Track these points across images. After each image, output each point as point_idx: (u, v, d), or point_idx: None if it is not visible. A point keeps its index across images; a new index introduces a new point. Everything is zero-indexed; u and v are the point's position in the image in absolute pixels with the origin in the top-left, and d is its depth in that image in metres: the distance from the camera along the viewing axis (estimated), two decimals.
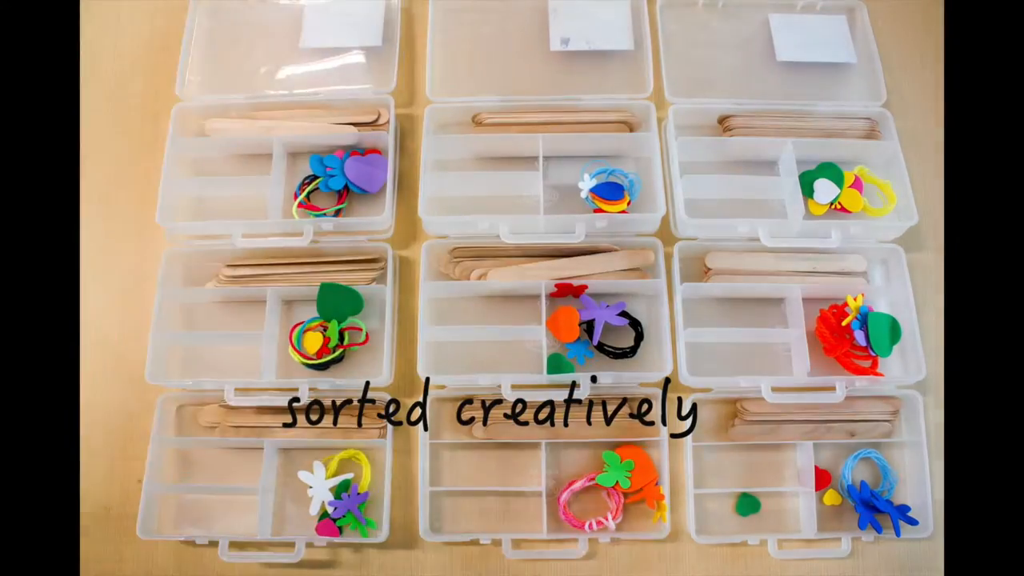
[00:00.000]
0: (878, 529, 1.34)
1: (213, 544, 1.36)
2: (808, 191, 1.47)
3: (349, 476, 1.36)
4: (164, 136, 1.50)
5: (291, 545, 1.34)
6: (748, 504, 1.37)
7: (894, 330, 1.38)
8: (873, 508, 1.35)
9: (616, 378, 1.36)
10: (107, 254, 1.51)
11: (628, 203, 1.45)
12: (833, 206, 1.47)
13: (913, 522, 1.35)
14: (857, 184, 1.47)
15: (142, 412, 1.41)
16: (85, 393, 1.42)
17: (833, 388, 1.35)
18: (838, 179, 1.46)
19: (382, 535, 1.33)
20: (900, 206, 1.47)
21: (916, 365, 1.38)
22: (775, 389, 1.35)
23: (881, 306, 1.44)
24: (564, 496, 1.35)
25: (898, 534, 1.34)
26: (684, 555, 1.36)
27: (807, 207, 1.46)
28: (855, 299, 1.39)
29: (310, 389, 1.36)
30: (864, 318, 1.38)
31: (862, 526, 1.35)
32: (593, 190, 1.44)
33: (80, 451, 1.39)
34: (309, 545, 1.35)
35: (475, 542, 1.36)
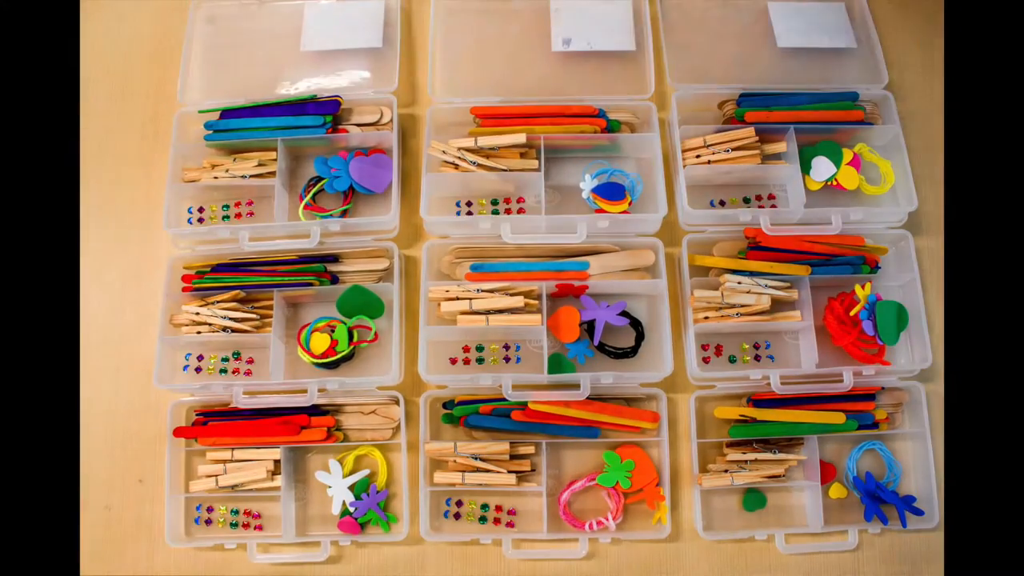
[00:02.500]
0: (884, 520, 1.30)
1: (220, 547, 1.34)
2: (806, 168, 1.43)
3: (366, 473, 1.34)
4: (166, 141, 1.47)
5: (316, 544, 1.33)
6: (754, 500, 1.33)
7: (900, 317, 1.34)
8: (878, 499, 1.31)
9: (617, 378, 1.31)
10: (110, 258, 1.48)
11: (629, 203, 1.40)
12: (830, 183, 1.43)
13: (919, 512, 1.31)
14: (855, 162, 1.43)
15: (142, 413, 1.39)
16: (86, 393, 1.40)
17: (840, 379, 1.32)
18: (837, 156, 1.42)
19: (403, 531, 1.31)
20: (900, 191, 1.43)
21: (923, 353, 1.35)
22: (784, 381, 1.32)
23: (888, 293, 1.39)
24: (564, 496, 1.31)
25: (904, 525, 1.30)
26: (686, 553, 1.33)
27: (804, 184, 1.41)
28: (863, 288, 1.35)
29: (319, 390, 1.33)
30: (872, 307, 1.34)
31: (868, 518, 1.31)
32: (594, 190, 1.40)
33: (80, 451, 1.37)
34: (334, 543, 1.33)
35: (475, 542, 1.33)
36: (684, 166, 1.41)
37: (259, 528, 1.36)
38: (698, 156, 1.42)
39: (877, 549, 1.33)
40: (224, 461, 1.34)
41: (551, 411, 1.30)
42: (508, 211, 1.46)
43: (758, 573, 1.32)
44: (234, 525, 1.35)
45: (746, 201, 1.47)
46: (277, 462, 1.34)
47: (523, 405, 1.31)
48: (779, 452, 1.32)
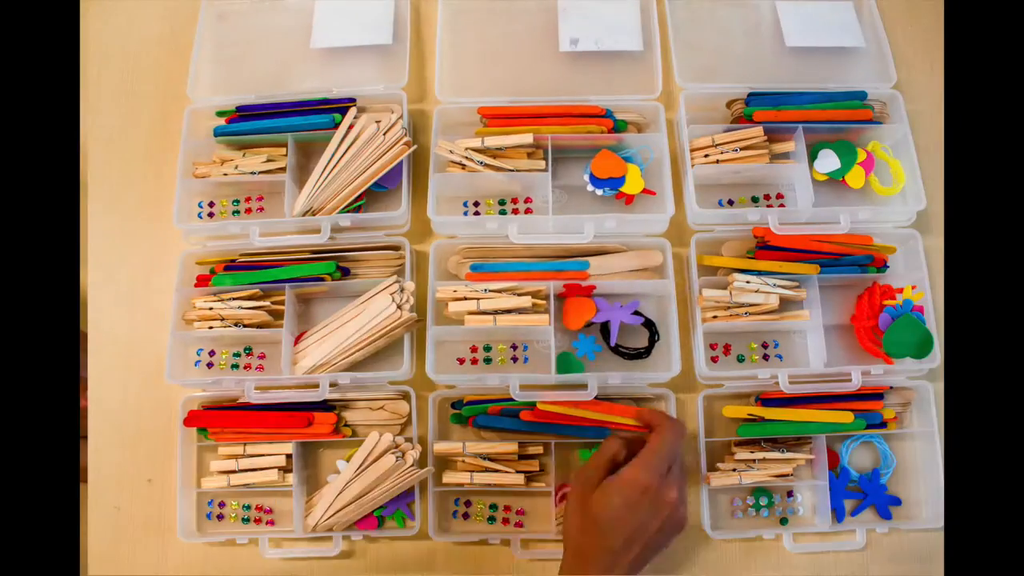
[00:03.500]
0: (884, 516, 1.30)
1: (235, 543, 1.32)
2: (814, 159, 1.42)
3: None
4: (175, 137, 1.45)
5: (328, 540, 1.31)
6: (762, 498, 1.32)
7: (922, 343, 1.31)
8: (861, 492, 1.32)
9: (624, 378, 1.30)
10: (119, 255, 1.46)
11: (642, 178, 1.39)
12: (841, 179, 1.41)
13: (896, 501, 1.31)
14: (868, 161, 1.40)
15: (152, 412, 1.37)
16: (95, 393, 1.38)
17: (849, 378, 1.29)
18: (850, 154, 1.40)
19: (416, 527, 1.29)
20: (909, 190, 1.41)
21: (931, 353, 1.32)
22: (792, 380, 1.30)
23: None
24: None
25: (887, 517, 1.30)
26: (694, 552, 1.31)
27: (811, 175, 1.39)
28: (912, 289, 1.34)
29: (331, 385, 1.31)
30: (901, 313, 1.32)
31: (859, 509, 1.31)
32: (593, 182, 1.39)
33: (89, 450, 1.36)
34: (346, 539, 1.32)
35: (484, 542, 1.31)
36: (692, 166, 1.39)
37: (271, 523, 1.34)
38: (706, 156, 1.40)
39: (886, 548, 1.30)
40: (236, 456, 1.32)
41: (560, 411, 1.28)
42: (515, 211, 1.44)
43: (766, 572, 1.30)
44: (246, 520, 1.34)
45: (754, 200, 1.44)
46: (289, 457, 1.32)
47: (531, 405, 1.29)
48: (787, 451, 1.30)
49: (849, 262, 1.35)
